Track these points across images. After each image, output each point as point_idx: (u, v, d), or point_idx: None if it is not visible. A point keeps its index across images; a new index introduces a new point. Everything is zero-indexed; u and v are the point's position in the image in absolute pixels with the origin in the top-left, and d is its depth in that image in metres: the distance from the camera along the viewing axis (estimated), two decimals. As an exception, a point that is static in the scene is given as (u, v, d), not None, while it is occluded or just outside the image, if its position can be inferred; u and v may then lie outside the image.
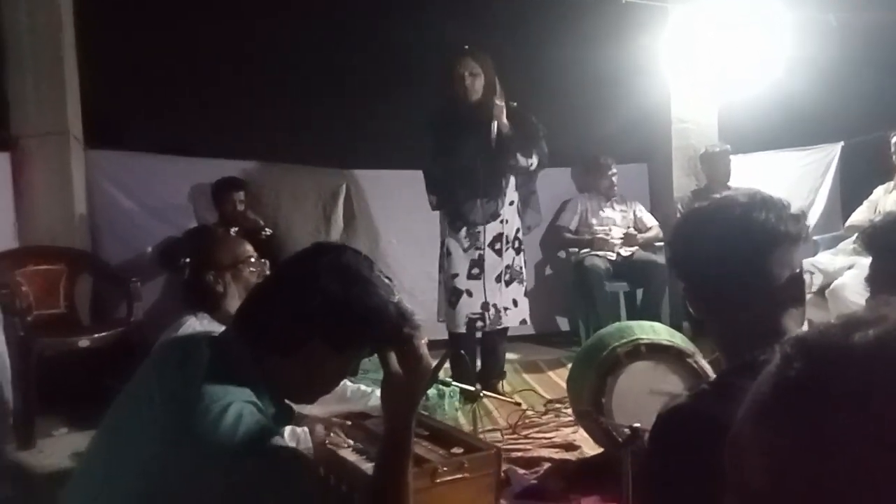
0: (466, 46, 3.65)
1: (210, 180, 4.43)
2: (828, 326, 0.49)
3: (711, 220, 1.16)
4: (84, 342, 3.63)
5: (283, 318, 1.21)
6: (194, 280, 2.25)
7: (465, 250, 3.67)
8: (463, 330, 3.66)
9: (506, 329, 3.80)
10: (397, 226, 4.90)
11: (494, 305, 3.66)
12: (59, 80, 4.12)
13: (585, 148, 5.18)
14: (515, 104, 3.64)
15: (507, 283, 3.72)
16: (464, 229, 3.67)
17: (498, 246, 3.68)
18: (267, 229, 4.37)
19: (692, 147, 5.14)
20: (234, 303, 2.10)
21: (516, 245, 3.76)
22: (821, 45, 4.46)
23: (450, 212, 3.70)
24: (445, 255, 3.70)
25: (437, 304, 3.84)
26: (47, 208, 4.13)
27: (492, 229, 3.67)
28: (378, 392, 1.35)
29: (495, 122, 3.54)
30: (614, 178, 4.96)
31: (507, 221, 3.70)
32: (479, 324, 3.67)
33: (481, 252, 3.66)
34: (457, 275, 3.66)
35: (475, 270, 3.66)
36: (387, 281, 1.25)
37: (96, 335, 3.70)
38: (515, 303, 3.74)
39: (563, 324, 5.10)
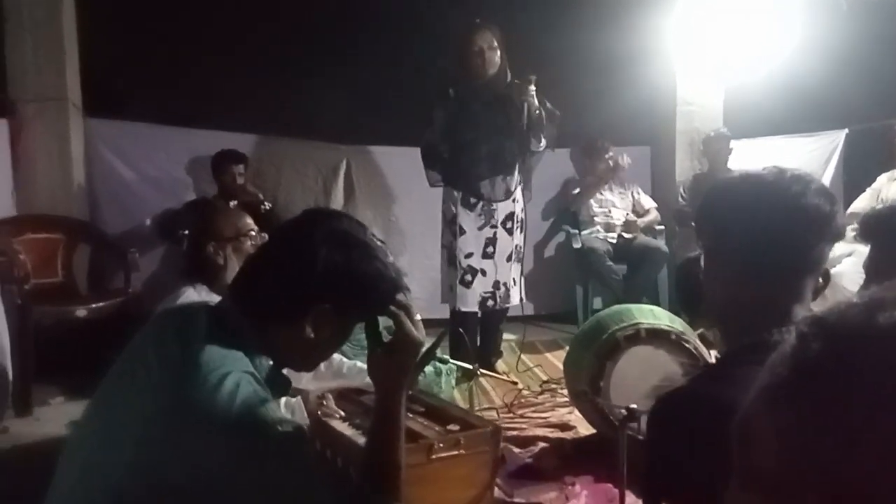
0: (478, 20, 3.59)
1: (210, 152, 4.39)
2: (848, 306, 0.47)
3: (779, 194, 1.10)
4: (81, 312, 3.63)
5: (283, 286, 1.20)
6: (194, 251, 2.24)
7: (479, 228, 3.63)
8: (475, 309, 3.64)
9: (507, 308, 3.80)
10: (398, 202, 4.88)
11: (505, 284, 3.66)
12: (58, 45, 4.07)
13: (590, 129, 5.14)
14: (534, 78, 3.56)
15: (518, 262, 3.73)
16: (479, 206, 3.63)
17: (509, 225, 3.67)
18: (266, 203, 4.35)
19: (696, 130, 5.10)
20: (233, 275, 2.09)
21: (521, 225, 3.75)
22: (828, 29, 4.40)
23: (464, 188, 3.63)
24: (458, 233, 3.63)
25: (437, 282, 3.82)
26: (46, 176, 4.10)
27: (505, 208, 3.65)
28: None
29: (527, 103, 3.49)
30: (611, 162, 4.94)
31: (516, 201, 3.69)
32: (490, 303, 3.66)
33: (495, 230, 3.63)
34: (472, 254, 3.62)
35: (489, 249, 3.64)
36: (380, 244, 1.25)
37: (94, 305, 3.70)
38: (515, 281, 3.75)
39: (562, 305, 5.10)
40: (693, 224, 1.26)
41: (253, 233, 2.26)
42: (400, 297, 1.24)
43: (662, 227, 4.92)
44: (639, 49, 4.81)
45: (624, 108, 5.08)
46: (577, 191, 4.95)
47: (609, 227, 4.81)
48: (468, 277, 3.62)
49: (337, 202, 4.79)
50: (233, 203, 4.16)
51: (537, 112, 3.53)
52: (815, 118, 5.18)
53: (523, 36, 4.85)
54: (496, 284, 3.64)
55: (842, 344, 0.45)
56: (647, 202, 5.00)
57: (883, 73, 4.68)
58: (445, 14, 4.64)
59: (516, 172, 3.67)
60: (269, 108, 4.83)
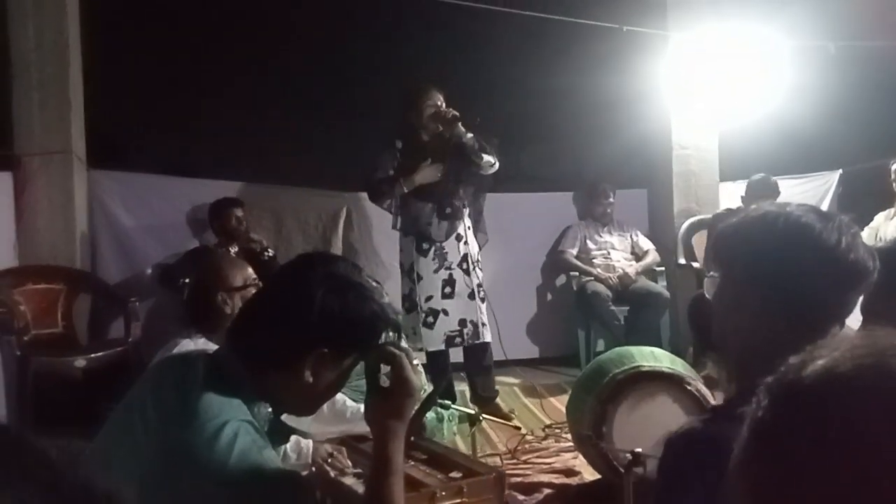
0: (429, 82, 3.86)
1: (211, 201, 4.43)
2: (788, 364, 0.50)
3: (825, 246, 1.07)
4: (80, 362, 3.61)
5: (281, 331, 1.20)
6: (201, 300, 2.24)
7: (434, 271, 3.76)
8: (442, 347, 3.74)
9: (488, 344, 3.83)
10: (398, 249, 4.88)
11: (472, 322, 3.76)
12: (63, 99, 4.14)
13: (587, 173, 5.20)
14: (479, 120, 3.73)
15: (482, 301, 3.81)
16: (431, 250, 3.76)
17: (465, 266, 3.79)
18: (269, 250, 4.35)
19: (692, 173, 5.15)
20: None
21: (477, 265, 3.86)
22: (820, 73, 4.50)
23: (416, 235, 3.80)
24: (417, 280, 3.77)
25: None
26: (49, 227, 4.13)
27: (457, 250, 3.78)
28: None
29: (460, 137, 3.65)
30: (609, 209, 4.98)
31: (468, 243, 3.83)
32: (458, 340, 3.76)
33: (451, 271, 3.76)
34: (431, 296, 3.75)
35: (448, 289, 3.76)
36: (376, 285, 1.25)
37: (93, 355, 3.68)
38: (485, 320, 3.82)
39: (564, 348, 5.08)
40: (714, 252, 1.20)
41: (258, 283, 2.27)
42: (397, 339, 1.24)
43: (662, 268, 4.94)
44: (634, 94, 4.91)
45: (620, 152, 5.16)
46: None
47: (608, 270, 4.82)
48: (430, 319, 3.73)
49: (337, 250, 4.81)
50: (234, 249, 4.18)
51: (471, 138, 3.66)
52: (809, 159, 5.25)
53: (523, 83, 4.96)
54: (461, 322, 3.74)
55: (779, 403, 0.49)
56: (646, 244, 5.03)
57: (874, 116, 4.77)
58: (445, 61, 4.76)
59: (465, 217, 3.84)
60: (269, 156, 4.91)
